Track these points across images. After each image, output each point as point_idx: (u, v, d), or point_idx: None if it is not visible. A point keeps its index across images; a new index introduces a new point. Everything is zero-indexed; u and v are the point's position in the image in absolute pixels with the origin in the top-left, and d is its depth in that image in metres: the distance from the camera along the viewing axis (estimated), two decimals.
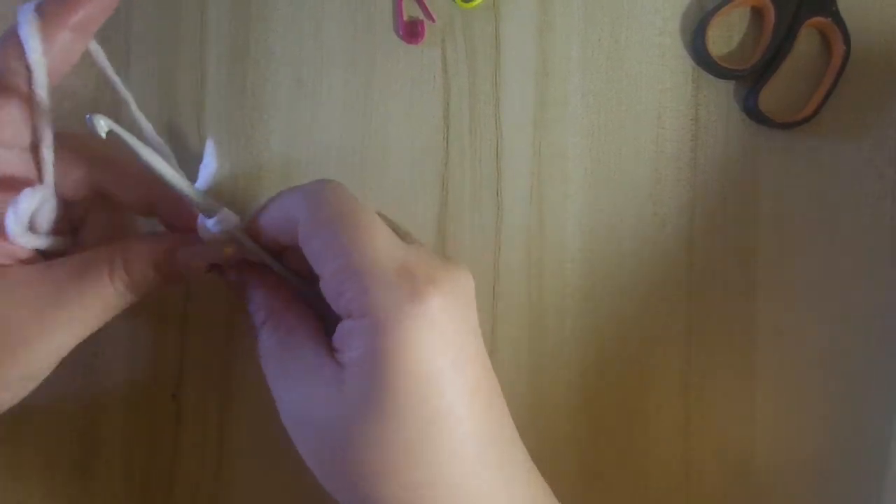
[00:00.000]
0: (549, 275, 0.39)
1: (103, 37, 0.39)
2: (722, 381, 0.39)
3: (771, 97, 0.39)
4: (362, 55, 0.39)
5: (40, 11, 0.29)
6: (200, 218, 0.30)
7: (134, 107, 0.34)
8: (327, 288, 0.28)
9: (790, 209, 0.40)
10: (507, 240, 0.39)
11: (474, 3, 0.39)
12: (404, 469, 0.27)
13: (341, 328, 0.28)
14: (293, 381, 0.28)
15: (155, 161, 0.28)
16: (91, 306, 0.29)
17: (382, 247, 0.27)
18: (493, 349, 0.39)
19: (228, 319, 0.38)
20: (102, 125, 0.26)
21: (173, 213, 0.32)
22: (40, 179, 0.30)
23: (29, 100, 0.29)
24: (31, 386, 0.29)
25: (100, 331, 0.31)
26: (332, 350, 0.28)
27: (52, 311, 0.28)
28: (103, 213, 0.33)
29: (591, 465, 0.39)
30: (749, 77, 0.40)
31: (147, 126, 0.34)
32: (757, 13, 0.40)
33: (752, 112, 0.39)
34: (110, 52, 0.38)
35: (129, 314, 0.32)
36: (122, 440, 0.38)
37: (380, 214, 0.30)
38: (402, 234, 0.30)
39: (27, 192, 0.29)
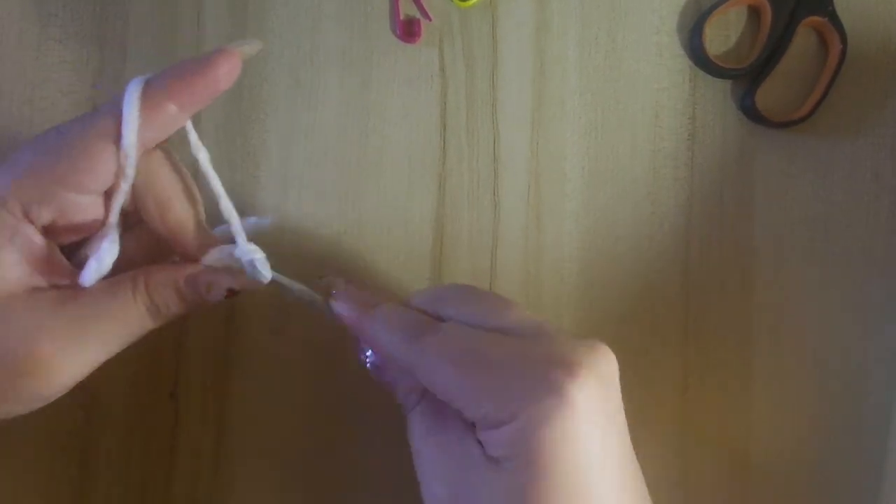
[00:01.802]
0: (546, 274, 0.39)
1: (101, 37, 0.39)
2: (719, 379, 0.39)
3: (768, 96, 0.39)
4: (359, 55, 0.39)
5: (152, 83, 0.29)
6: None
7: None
8: (457, 398, 0.29)
9: (787, 208, 0.40)
10: (504, 239, 0.39)
11: (471, 3, 0.39)
12: None
13: (485, 435, 0.28)
14: (447, 465, 0.29)
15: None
16: (113, 328, 0.30)
17: (508, 355, 0.29)
18: None
19: (227, 319, 0.38)
20: (266, 275, 0.31)
21: (189, 244, 0.32)
22: (105, 221, 0.30)
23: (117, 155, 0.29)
24: (42, 404, 0.30)
25: None
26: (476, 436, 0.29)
27: (77, 333, 0.29)
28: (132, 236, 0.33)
29: None
30: (746, 76, 0.40)
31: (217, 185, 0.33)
32: (754, 12, 0.40)
33: (749, 111, 0.39)
34: (108, 53, 0.39)
35: None
36: (120, 440, 0.38)
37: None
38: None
39: (108, 245, 0.30)
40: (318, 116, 0.39)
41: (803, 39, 0.40)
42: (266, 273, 0.31)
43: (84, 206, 0.29)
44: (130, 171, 0.29)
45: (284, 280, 0.32)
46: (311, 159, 0.39)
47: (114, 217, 0.30)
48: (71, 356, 0.29)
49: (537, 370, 0.27)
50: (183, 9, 0.39)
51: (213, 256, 0.31)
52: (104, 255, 0.30)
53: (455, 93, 0.39)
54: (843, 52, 0.39)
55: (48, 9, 0.39)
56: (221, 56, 0.29)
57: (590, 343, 0.29)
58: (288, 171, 0.39)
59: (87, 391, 0.37)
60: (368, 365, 0.33)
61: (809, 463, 0.39)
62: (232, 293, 0.31)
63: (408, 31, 0.39)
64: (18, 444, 0.37)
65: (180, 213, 0.31)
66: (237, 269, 0.31)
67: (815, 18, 0.39)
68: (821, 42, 0.40)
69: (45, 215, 0.29)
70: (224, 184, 0.38)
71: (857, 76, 0.40)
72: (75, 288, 0.29)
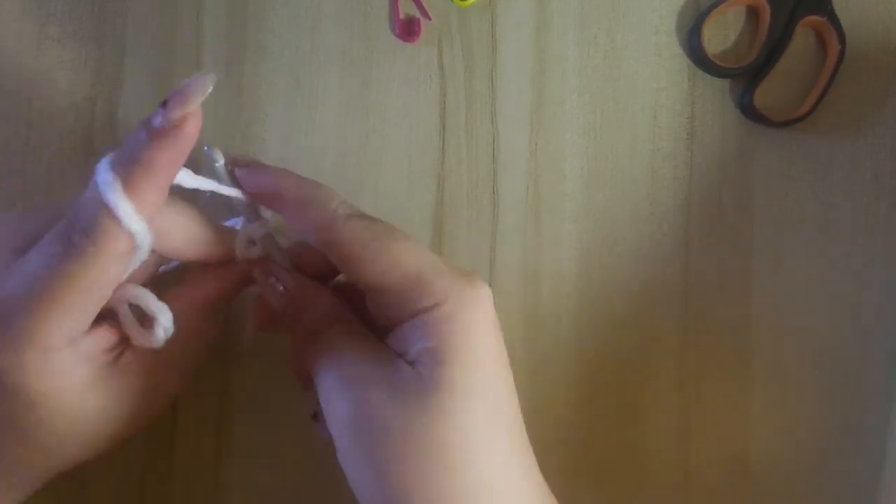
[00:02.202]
0: (545, 274, 0.39)
1: (99, 37, 0.39)
2: (718, 379, 0.39)
3: (766, 96, 0.39)
4: (359, 54, 0.39)
5: (123, 177, 0.26)
6: (242, 227, 0.32)
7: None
8: (388, 296, 0.29)
9: (786, 208, 0.40)
10: (503, 239, 0.39)
11: (471, 2, 0.39)
12: (461, 468, 0.27)
13: (409, 327, 0.29)
14: (362, 386, 0.28)
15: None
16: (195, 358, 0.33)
17: (428, 252, 0.30)
18: None
19: (226, 318, 0.38)
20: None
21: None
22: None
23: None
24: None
25: None
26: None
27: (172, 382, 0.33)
28: None
29: (588, 464, 0.39)
30: (745, 75, 0.40)
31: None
32: (752, 12, 0.40)
33: (748, 110, 0.39)
34: (106, 53, 0.39)
35: None
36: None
37: None
38: None
39: (160, 311, 0.30)
40: (318, 116, 0.39)
41: (802, 39, 0.40)
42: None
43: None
44: (145, 248, 0.28)
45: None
46: (310, 159, 0.39)
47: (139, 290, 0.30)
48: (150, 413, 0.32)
49: (454, 270, 0.29)
50: (182, 8, 0.39)
51: (242, 243, 0.32)
52: (161, 320, 0.30)
53: (454, 92, 0.39)
54: (842, 52, 0.39)
55: (47, 8, 0.39)
56: (187, 123, 0.26)
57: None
58: None
59: None
60: (280, 290, 0.32)
61: (809, 464, 0.39)
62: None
63: (407, 30, 0.39)
64: None
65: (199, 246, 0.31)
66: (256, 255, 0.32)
67: (814, 18, 0.39)
68: (819, 41, 0.40)
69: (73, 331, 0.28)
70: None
71: (856, 76, 0.40)
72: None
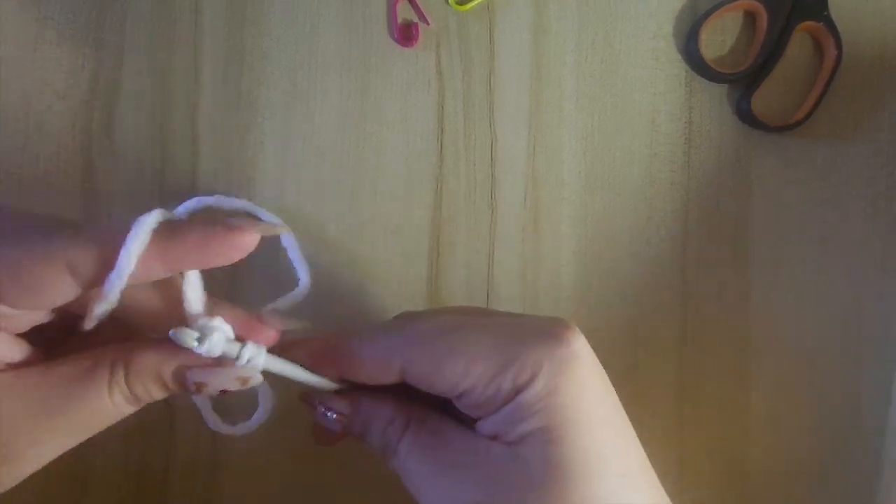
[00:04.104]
0: (543, 278, 0.39)
1: (97, 40, 0.39)
2: (716, 383, 0.39)
3: (764, 101, 0.40)
4: (357, 58, 0.39)
5: (154, 234, 0.25)
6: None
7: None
8: (475, 394, 0.27)
9: (783, 212, 0.40)
10: (501, 243, 0.39)
11: (469, 7, 0.39)
12: None
13: (508, 411, 0.27)
14: (451, 474, 0.27)
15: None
16: (84, 419, 0.27)
17: (498, 320, 0.29)
18: None
19: None
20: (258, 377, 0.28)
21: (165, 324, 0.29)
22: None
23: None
24: (14, 482, 0.27)
25: None
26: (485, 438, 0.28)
27: (44, 422, 0.26)
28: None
29: None
30: (742, 81, 0.40)
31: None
32: (749, 17, 0.41)
33: (745, 115, 0.39)
34: (104, 57, 0.39)
35: None
36: (117, 441, 0.37)
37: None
38: None
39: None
40: (316, 120, 0.39)
41: (799, 44, 0.40)
42: (256, 378, 0.28)
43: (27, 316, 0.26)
44: (112, 298, 0.26)
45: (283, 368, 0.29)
46: (308, 163, 0.39)
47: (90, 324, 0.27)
48: (30, 447, 0.26)
49: (535, 332, 0.27)
50: (180, 13, 0.39)
51: (209, 344, 0.27)
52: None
53: (452, 97, 0.40)
54: (839, 57, 0.39)
55: (45, 11, 0.38)
56: (239, 236, 0.25)
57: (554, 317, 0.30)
58: (285, 175, 0.39)
59: None
60: (334, 418, 0.30)
61: (805, 466, 0.39)
62: (225, 392, 0.28)
63: (405, 35, 0.39)
64: None
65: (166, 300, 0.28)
66: (231, 360, 0.27)
67: (811, 23, 0.40)
68: (816, 47, 0.41)
69: None
70: (220, 187, 0.39)
71: (853, 81, 0.40)
72: (41, 373, 0.27)
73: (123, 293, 0.25)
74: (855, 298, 0.40)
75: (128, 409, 0.28)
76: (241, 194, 0.38)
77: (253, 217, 0.36)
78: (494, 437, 0.27)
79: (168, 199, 0.38)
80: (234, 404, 0.36)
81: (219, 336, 0.27)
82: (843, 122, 0.40)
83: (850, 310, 0.40)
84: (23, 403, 0.26)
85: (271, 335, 0.28)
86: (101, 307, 0.26)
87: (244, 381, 0.27)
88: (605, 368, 0.36)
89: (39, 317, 0.27)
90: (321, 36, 0.39)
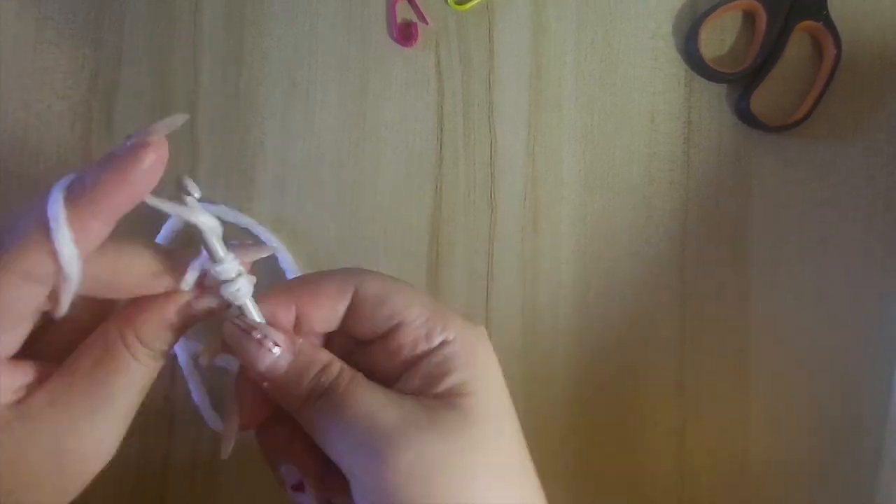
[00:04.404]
0: (543, 277, 0.39)
1: (96, 40, 0.39)
2: (715, 382, 0.39)
3: (763, 100, 0.40)
4: (356, 58, 0.39)
5: (69, 198, 0.24)
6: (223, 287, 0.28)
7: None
8: (404, 336, 0.29)
9: (782, 211, 0.40)
10: (500, 242, 0.39)
11: (468, 7, 0.39)
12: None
13: (427, 365, 0.28)
14: (404, 434, 0.27)
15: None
16: (127, 393, 0.27)
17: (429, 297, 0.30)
18: None
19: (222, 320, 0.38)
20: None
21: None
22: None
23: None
24: (93, 475, 0.28)
25: None
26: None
27: (95, 416, 0.27)
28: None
29: (586, 466, 0.39)
30: (741, 80, 0.40)
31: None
32: (749, 17, 0.41)
33: (745, 115, 0.39)
34: (103, 57, 0.39)
35: None
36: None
37: None
38: None
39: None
40: (315, 119, 0.39)
41: (798, 44, 0.40)
42: (245, 292, 0.28)
43: None
44: (73, 277, 0.25)
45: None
46: (307, 162, 0.39)
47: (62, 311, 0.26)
48: (95, 444, 0.27)
49: (456, 312, 0.30)
50: (179, 13, 0.39)
51: (191, 278, 0.27)
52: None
53: (452, 96, 0.40)
54: (838, 57, 0.39)
55: (44, 11, 0.39)
56: (143, 150, 0.24)
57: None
58: (284, 174, 0.39)
59: None
60: (272, 350, 0.29)
61: (805, 465, 0.39)
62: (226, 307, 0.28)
63: (405, 34, 0.39)
64: None
65: (138, 269, 0.27)
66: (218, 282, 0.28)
67: (810, 23, 0.40)
68: (815, 46, 0.41)
69: None
70: (220, 187, 0.39)
71: (852, 80, 0.40)
72: (63, 378, 0.27)
73: (82, 271, 0.25)
74: (854, 298, 0.40)
75: (158, 364, 0.28)
76: (240, 194, 0.38)
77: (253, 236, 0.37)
78: (416, 395, 0.28)
79: (167, 198, 0.38)
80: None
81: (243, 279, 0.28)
82: (843, 121, 0.40)
83: (849, 309, 0.40)
84: (68, 414, 0.26)
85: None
86: (67, 290, 0.25)
87: (239, 283, 0.28)
88: (603, 367, 0.36)
89: (25, 330, 0.26)
90: (320, 36, 0.39)
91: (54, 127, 0.38)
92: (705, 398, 0.39)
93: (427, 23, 0.39)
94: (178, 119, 0.25)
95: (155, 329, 0.27)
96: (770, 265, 0.40)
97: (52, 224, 0.24)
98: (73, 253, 0.24)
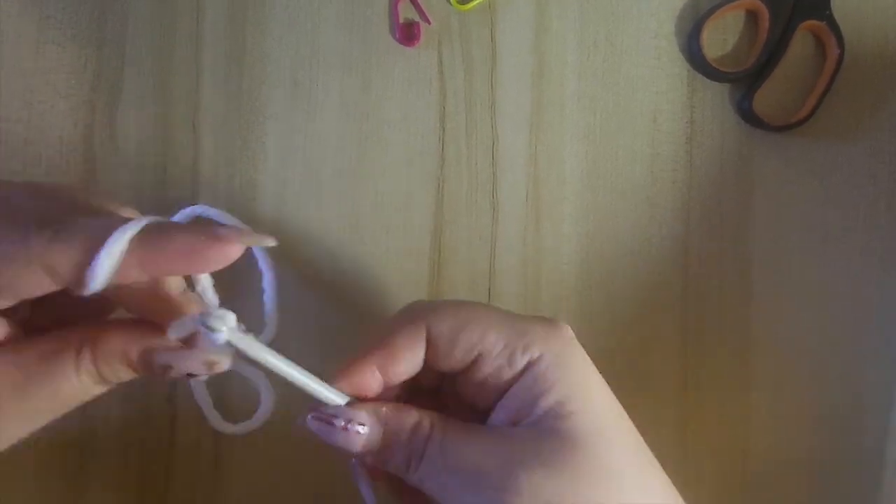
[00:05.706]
0: (545, 277, 0.39)
1: (99, 40, 0.39)
2: (718, 382, 0.39)
3: (765, 100, 0.39)
4: (358, 58, 0.39)
5: (140, 237, 0.24)
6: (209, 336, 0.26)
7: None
8: (485, 367, 0.28)
9: (785, 211, 0.40)
10: (503, 242, 0.39)
11: (471, 6, 0.39)
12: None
13: (518, 390, 0.28)
14: (508, 474, 0.27)
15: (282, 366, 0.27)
16: (51, 400, 0.26)
17: (499, 309, 0.30)
18: None
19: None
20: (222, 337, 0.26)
21: (147, 307, 0.28)
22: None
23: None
24: None
25: None
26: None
27: (10, 403, 0.26)
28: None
29: None
30: (744, 80, 0.40)
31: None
32: (751, 16, 0.41)
33: (747, 115, 0.39)
34: (106, 57, 0.39)
35: None
36: (117, 444, 0.37)
37: None
38: None
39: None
40: (317, 119, 0.39)
41: (801, 43, 0.40)
42: (224, 363, 0.26)
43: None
44: (90, 289, 0.25)
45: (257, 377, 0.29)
46: (309, 162, 0.39)
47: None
48: (3, 427, 0.26)
49: (534, 318, 0.29)
50: (182, 12, 0.39)
51: (180, 326, 0.26)
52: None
53: (454, 96, 0.40)
54: (841, 56, 0.39)
55: (46, 11, 0.39)
56: (232, 248, 0.25)
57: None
58: (286, 174, 0.39)
59: None
60: (359, 432, 0.29)
61: (808, 464, 0.39)
62: (192, 376, 0.27)
63: (407, 34, 0.39)
64: (14, 449, 0.37)
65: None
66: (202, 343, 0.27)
67: (813, 22, 0.39)
68: (818, 46, 0.41)
69: None
70: (221, 187, 0.39)
71: (855, 80, 0.40)
72: (10, 354, 0.26)
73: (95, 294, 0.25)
74: (856, 298, 0.40)
75: (96, 390, 0.27)
76: (242, 194, 0.38)
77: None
78: (514, 424, 0.28)
79: (170, 198, 0.38)
80: (235, 403, 0.36)
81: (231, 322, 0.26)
82: (845, 121, 0.40)
83: (851, 309, 0.40)
84: None
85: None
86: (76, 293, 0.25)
87: (211, 364, 0.26)
88: (606, 367, 0.36)
89: (13, 304, 0.26)
90: (322, 35, 0.39)
91: (57, 127, 0.38)
92: (707, 397, 0.39)
93: (429, 22, 0.39)
94: (269, 241, 0.26)
95: (110, 358, 0.27)
96: (772, 263, 0.40)
97: (105, 249, 0.24)
98: (102, 282, 0.24)
